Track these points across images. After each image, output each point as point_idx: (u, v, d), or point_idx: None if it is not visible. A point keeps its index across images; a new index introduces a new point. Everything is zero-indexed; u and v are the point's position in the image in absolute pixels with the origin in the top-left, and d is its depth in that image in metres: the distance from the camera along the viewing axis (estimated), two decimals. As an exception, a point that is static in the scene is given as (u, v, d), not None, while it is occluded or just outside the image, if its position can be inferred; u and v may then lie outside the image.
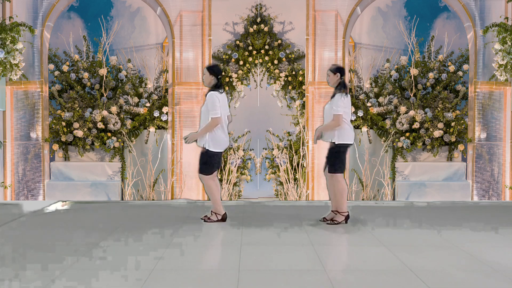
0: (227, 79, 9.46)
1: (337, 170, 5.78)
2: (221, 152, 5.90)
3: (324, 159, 5.93)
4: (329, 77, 5.86)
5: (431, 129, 9.20)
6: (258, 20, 9.56)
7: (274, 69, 9.51)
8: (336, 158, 5.76)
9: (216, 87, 5.80)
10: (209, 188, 5.89)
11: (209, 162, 5.81)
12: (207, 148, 5.76)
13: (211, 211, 6.00)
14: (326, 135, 5.79)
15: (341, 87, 5.77)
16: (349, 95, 5.79)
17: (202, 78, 9.41)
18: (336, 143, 5.71)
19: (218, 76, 5.80)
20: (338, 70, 5.81)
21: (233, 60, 9.46)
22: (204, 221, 5.97)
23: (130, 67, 9.62)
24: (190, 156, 9.10)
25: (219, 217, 5.95)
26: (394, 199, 9.22)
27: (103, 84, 9.32)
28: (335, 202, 5.89)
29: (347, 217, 5.89)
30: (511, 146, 8.97)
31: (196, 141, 5.84)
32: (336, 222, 5.85)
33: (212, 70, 5.82)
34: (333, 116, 5.67)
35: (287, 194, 9.19)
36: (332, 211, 5.96)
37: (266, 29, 9.48)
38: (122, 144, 9.28)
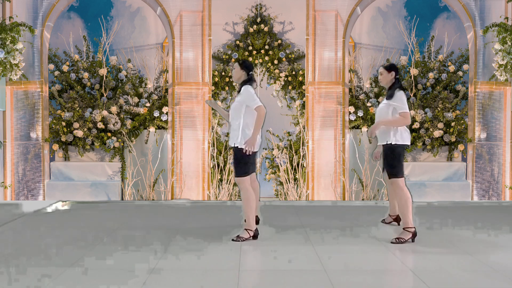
0: (227, 79, 9.45)
1: (398, 173, 5.17)
2: (256, 152, 5.30)
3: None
4: (381, 76, 5.38)
5: (431, 129, 9.20)
6: (258, 20, 9.56)
7: (274, 69, 9.51)
8: (394, 160, 5.19)
9: (247, 82, 5.32)
10: (247, 193, 5.14)
11: (245, 161, 5.16)
12: (240, 146, 5.15)
13: (245, 229, 5.17)
14: (381, 136, 5.29)
15: (398, 85, 5.29)
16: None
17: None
18: (392, 143, 5.17)
19: (250, 72, 5.33)
20: (393, 68, 5.34)
21: (233, 60, 9.46)
22: (234, 240, 5.11)
23: (130, 67, 9.62)
24: (190, 156, 9.11)
25: (251, 234, 5.15)
26: (394, 199, 9.21)
27: (103, 84, 9.32)
28: (400, 214, 5.26)
29: (414, 234, 5.09)
30: (511, 146, 8.97)
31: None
32: (402, 241, 5.03)
33: (244, 64, 5.35)
34: (399, 114, 5.17)
35: (287, 194, 9.19)
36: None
37: (266, 29, 9.48)
38: (122, 144, 9.28)
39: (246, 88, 5.22)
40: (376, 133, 5.34)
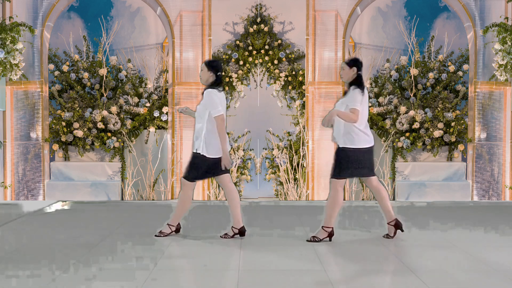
0: (227, 79, 9.45)
1: (337, 175, 5.02)
2: (218, 158, 5.10)
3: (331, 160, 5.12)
4: (343, 71, 5.03)
5: (431, 129, 9.20)
6: (258, 20, 9.56)
7: (274, 69, 9.51)
8: (336, 162, 5.01)
9: (214, 85, 5.12)
10: (185, 197, 5.18)
11: (198, 168, 5.13)
12: (201, 153, 5.07)
13: (168, 224, 5.31)
14: (337, 135, 5.02)
15: (358, 83, 4.96)
16: (366, 93, 4.99)
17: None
18: (340, 146, 4.98)
19: (218, 73, 5.10)
20: (355, 63, 5.00)
21: (233, 60, 9.46)
22: (156, 236, 5.25)
23: (130, 67, 9.62)
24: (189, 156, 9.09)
25: (173, 228, 5.28)
26: (394, 199, 9.22)
27: (103, 84, 9.32)
28: (325, 212, 5.12)
29: (330, 234, 5.05)
30: (511, 146, 8.97)
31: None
32: (317, 240, 5.05)
33: (211, 65, 5.13)
34: (349, 110, 4.85)
35: (287, 194, 9.19)
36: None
37: (266, 29, 9.48)
38: (122, 144, 9.28)
39: (209, 93, 5.04)
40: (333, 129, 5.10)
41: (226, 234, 5.27)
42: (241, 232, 5.20)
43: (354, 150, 4.94)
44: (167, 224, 5.32)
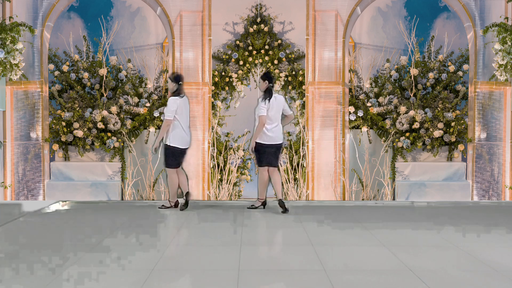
0: (227, 79, 9.45)
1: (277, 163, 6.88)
2: (184, 149, 6.81)
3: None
4: (259, 84, 6.82)
5: (431, 129, 9.20)
6: (258, 20, 9.56)
7: (274, 69, 9.51)
8: (280, 155, 6.83)
9: (177, 92, 6.75)
10: (172, 180, 6.87)
11: (174, 156, 6.74)
12: (169, 144, 6.68)
13: (168, 200, 7.13)
14: (279, 136, 6.76)
15: (267, 93, 6.70)
16: (270, 101, 6.66)
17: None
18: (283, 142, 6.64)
19: (179, 83, 6.79)
20: (267, 78, 6.74)
21: (233, 60, 9.46)
22: (159, 208, 7.02)
23: (130, 67, 9.62)
24: (189, 156, 9.10)
25: (172, 204, 7.00)
26: (394, 199, 9.23)
27: (103, 84, 9.32)
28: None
29: (264, 203, 6.99)
30: (511, 146, 8.97)
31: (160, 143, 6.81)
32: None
33: (175, 78, 6.80)
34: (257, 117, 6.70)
35: (287, 194, 9.19)
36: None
37: (266, 29, 9.48)
38: (122, 144, 9.28)
39: (170, 101, 6.66)
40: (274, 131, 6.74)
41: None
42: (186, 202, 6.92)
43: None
44: (169, 200, 7.02)
